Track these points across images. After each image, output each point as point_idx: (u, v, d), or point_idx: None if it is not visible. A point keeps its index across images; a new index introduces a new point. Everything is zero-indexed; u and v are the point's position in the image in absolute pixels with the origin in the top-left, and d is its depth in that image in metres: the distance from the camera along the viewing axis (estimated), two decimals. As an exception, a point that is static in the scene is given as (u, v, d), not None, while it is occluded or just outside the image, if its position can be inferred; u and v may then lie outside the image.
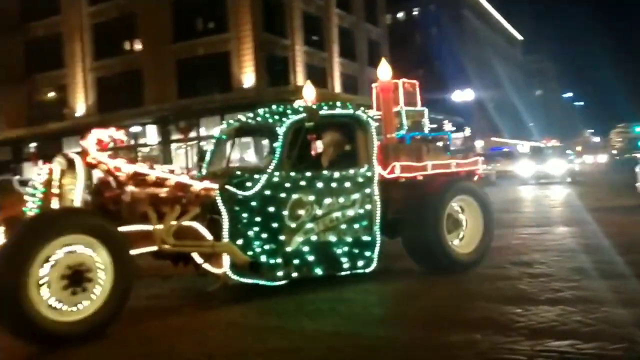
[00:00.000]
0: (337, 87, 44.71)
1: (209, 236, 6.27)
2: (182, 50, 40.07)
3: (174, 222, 6.02)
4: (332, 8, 46.02)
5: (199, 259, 6.30)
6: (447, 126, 48.39)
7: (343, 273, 6.83)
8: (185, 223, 6.15)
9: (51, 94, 46.01)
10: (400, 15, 69.16)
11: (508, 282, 6.66)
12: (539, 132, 78.52)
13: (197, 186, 6.30)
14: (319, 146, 7.71)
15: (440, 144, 8.02)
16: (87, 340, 5.06)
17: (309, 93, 8.53)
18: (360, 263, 6.87)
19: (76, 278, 5.15)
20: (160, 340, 5.25)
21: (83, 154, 5.94)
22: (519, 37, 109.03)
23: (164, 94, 40.22)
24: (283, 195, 6.45)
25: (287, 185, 6.49)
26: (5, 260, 4.86)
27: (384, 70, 7.36)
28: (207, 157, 7.43)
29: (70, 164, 5.86)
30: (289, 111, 6.77)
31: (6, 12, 45.57)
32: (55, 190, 5.80)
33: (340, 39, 46.35)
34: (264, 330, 5.45)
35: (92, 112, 43.67)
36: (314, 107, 6.81)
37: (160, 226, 5.93)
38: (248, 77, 38.31)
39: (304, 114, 6.58)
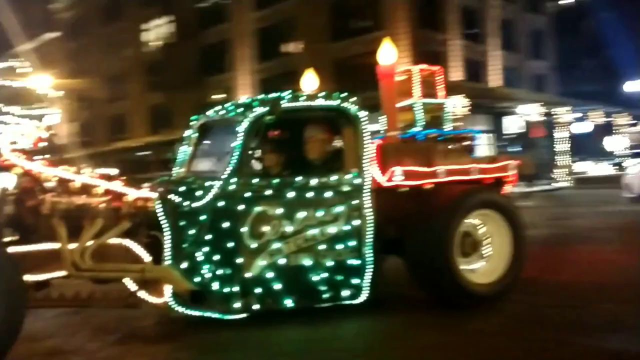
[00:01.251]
0: (497, 81, 41.86)
1: (146, 257, 5.06)
2: (339, 50, 39.52)
3: (91, 241, 4.87)
4: (491, -1, 43.22)
5: (132, 286, 5.10)
6: (621, 120, 43.84)
7: (323, 305, 5.36)
8: (114, 241, 4.99)
9: (220, 96, 47.35)
10: (567, 0, 63.52)
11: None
12: None
13: (133, 195, 5.12)
14: (294, 146, 6.17)
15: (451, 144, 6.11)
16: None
17: (309, 83, 7.05)
18: (345, 293, 5.36)
19: None
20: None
21: None
22: None
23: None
24: (241, 207, 5.11)
25: (247, 194, 5.13)
26: None
27: (387, 51, 5.74)
28: (178, 159, 6.14)
29: None
30: (255, 104, 5.36)
31: (186, 22, 47.82)
32: None
33: (500, 30, 43.39)
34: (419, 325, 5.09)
35: (257, 112, 44.34)
36: (277, 97, 5.36)
37: (73, 245, 4.81)
38: (403, 74, 36.85)
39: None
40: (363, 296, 5.40)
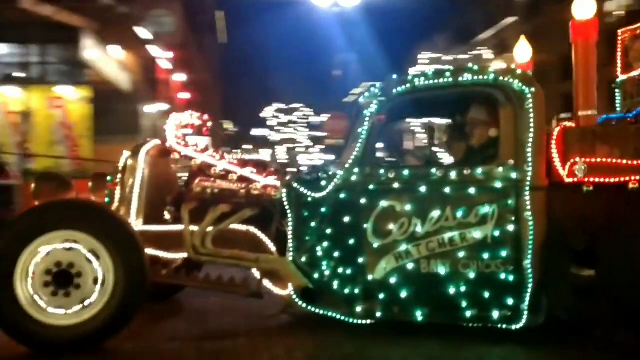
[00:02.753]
0: None
1: (272, 247, 4.64)
2: None
3: (212, 226, 4.63)
4: None
5: (257, 274, 4.71)
6: None
7: (467, 325, 4.24)
8: (240, 227, 4.68)
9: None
10: None
11: None
12: None
13: (262, 183, 4.74)
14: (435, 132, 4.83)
15: None
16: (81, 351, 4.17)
17: (522, 54, 5.49)
18: (496, 314, 4.15)
19: (61, 278, 4.24)
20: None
21: (163, 140, 5.10)
22: None
23: None
24: (364, 200, 4.34)
25: (372, 187, 4.35)
26: None
27: (583, 3, 4.16)
28: None
29: (135, 151, 5.05)
30: (392, 83, 4.45)
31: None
32: (117, 180, 5.07)
33: None
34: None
35: None
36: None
37: (194, 228, 4.64)
38: None
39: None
40: (523, 321, 4.12)
